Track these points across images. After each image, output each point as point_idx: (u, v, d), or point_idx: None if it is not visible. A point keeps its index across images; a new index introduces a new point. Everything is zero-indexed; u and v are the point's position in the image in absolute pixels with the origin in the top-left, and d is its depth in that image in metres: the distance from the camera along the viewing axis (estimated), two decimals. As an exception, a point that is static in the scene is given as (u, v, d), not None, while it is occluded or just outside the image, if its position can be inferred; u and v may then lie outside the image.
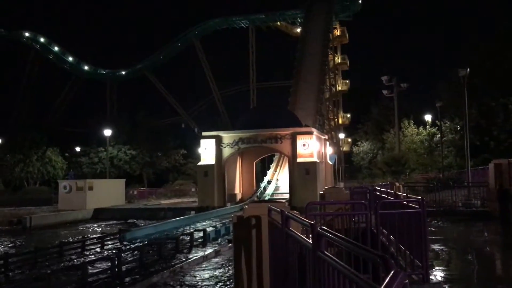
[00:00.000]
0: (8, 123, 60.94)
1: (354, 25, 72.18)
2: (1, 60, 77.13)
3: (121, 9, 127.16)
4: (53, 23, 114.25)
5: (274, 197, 37.01)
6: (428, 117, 49.64)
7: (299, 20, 68.61)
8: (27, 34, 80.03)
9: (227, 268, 13.88)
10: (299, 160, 33.25)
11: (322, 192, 13.78)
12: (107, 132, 45.25)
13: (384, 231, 9.07)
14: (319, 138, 36.92)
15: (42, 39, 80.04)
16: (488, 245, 16.80)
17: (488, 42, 43.85)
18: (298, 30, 67.84)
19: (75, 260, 16.00)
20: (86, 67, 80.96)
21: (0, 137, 53.64)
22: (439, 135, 44.79)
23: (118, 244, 19.19)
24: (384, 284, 2.18)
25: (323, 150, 38.69)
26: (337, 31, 66.73)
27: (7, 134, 55.11)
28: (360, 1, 67.29)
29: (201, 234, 18.78)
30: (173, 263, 14.40)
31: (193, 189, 48.99)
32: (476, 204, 24.93)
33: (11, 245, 22.52)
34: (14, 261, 15.14)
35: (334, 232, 3.81)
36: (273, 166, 43.01)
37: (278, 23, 71.72)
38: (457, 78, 32.94)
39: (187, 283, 12.62)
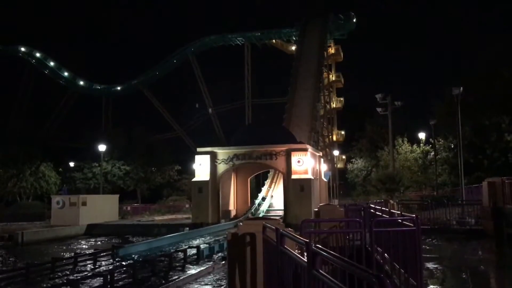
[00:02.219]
0: (2, 137, 60.54)
1: (348, 44, 72.90)
2: (-4, 75, 77.18)
3: (118, 24, 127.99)
4: (49, 39, 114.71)
5: (269, 214, 36.88)
6: (422, 135, 49.92)
7: (294, 38, 69.25)
8: (23, 49, 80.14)
9: (221, 286, 13.77)
10: (293, 176, 33.26)
11: (316, 209, 13.77)
12: (102, 147, 45.13)
13: (379, 249, 9.07)
14: (313, 155, 36.99)
15: (38, 54, 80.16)
16: (483, 264, 16.79)
17: (482, 61, 44.39)
18: (293, 47, 68.41)
19: (67, 277, 15.82)
20: (81, 82, 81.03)
21: (-7, 151, 53.34)
22: (433, 153, 44.99)
23: (111, 260, 19.03)
24: (379, 303, 2.19)
25: (317, 167, 38.74)
26: (332, 49, 67.39)
27: (1, 148, 54.77)
28: (354, 20, 68.10)
29: (194, 251, 18.68)
30: (166, 280, 14.27)
31: (187, 205, 48.78)
32: (470, 222, 24.92)
33: (2, 261, 22.25)
34: (5, 278, 14.96)
35: (329, 251, 3.82)
36: (267, 182, 42.94)
37: (274, 40, 72.34)
38: (451, 97, 33.22)
39: (180, 300, 12.50)
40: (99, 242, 29.12)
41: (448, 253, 19.53)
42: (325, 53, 63.02)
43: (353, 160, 61.15)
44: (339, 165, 62.90)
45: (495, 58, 42.63)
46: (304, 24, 65.37)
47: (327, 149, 57.92)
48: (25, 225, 34.48)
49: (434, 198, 33.73)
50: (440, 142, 45.74)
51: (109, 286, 12.54)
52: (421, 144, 49.97)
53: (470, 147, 40.28)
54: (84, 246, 27.61)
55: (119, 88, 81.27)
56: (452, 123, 36.30)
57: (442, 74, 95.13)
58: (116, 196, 42.63)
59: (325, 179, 42.74)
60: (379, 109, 44.45)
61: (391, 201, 23.25)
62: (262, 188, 42.82)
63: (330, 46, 66.71)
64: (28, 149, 54.18)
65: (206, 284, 14.38)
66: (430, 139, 46.23)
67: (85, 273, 16.33)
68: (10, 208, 46.69)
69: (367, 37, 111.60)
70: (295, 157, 33.51)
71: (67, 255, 21.44)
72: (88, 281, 14.14)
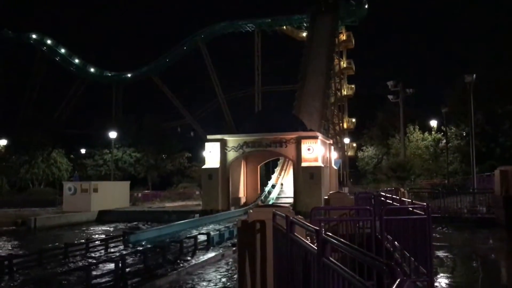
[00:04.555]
0: (14, 125, 61.18)
1: (360, 30, 72.20)
2: (8, 62, 77.60)
3: (128, 12, 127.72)
4: (60, 26, 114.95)
5: (279, 201, 36.99)
6: (433, 123, 49.50)
7: (305, 24, 68.71)
8: (34, 36, 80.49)
9: (231, 272, 13.87)
10: (303, 164, 33.22)
11: (326, 197, 13.74)
12: (113, 135, 45.39)
13: (389, 237, 9.05)
14: (324, 143, 36.89)
15: (49, 41, 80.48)
16: (494, 252, 16.71)
17: (495, 49, 43.77)
18: (304, 34, 67.92)
19: (79, 262, 16.03)
20: (92, 69, 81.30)
21: (5, 138, 53.85)
22: (445, 141, 44.64)
23: (122, 246, 19.23)
24: (390, 292, 2.17)
25: (328, 155, 38.65)
26: (343, 36, 66.78)
27: (13, 135, 55.32)
28: (366, 6, 67.31)
29: (205, 237, 18.78)
30: (176, 267, 14.39)
31: (197, 192, 49.02)
32: (481, 210, 24.79)
33: (15, 246, 22.60)
34: (19, 262, 15.19)
35: (339, 238, 3.80)
36: (277, 170, 43.00)
37: (284, 27, 71.82)
38: (463, 84, 32.85)
39: (190, 286, 12.62)
40: (110, 228, 29.41)
41: (458, 241, 19.46)
42: (336, 39, 62.49)
43: (364, 148, 60.90)
44: (350, 153, 62.71)
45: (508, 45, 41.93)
46: (315, 11, 64.75)
47: (338, 137, 57.73)
48: (38, 211, 34.87)
49: (445, 186, 33.57)
50: (452, 130, 45.35)
51: (120, 272, 12.66)
52: (432, 132, 49.59)
53: (482, 135, 39.93)
54: (95, 232, 27.91)
55: (129, 75, 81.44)
56: (464, 110, 35.96)
57: (455, 61, 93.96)
58: (127, 183, 42.95)
59: (335, 167, 42.66)
60: (390, 97, 44.13)
61: (402, 189, 23.15)
62: (272, 176, 42.89)
63: (341, 33, 66.11)
64: (40, 136, 54.65)
65: (216, 270, 14.49)
66: (442, 127, 45.84)
67: (97, 258, 16.52)
68: (23, 194, 47.27)
69: (378, 23, 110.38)
70: (305, 145, 33.44)
71: (79, 241, 21.69)
72: (99, 266, 14.31)
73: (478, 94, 35.47)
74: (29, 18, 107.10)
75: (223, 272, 14.30)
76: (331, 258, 3.69)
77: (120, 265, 12.75)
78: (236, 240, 8.82)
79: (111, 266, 13.33)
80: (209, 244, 18.16)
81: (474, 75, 30.76)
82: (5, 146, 53.96)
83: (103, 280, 12.55)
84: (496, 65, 41.61)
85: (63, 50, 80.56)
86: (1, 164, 52.49)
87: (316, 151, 33.40)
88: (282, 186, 41.32)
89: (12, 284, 12.86)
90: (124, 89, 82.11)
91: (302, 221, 5.36)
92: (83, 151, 62.34)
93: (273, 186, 40.68)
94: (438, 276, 11.22)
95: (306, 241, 4.75)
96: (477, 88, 33.96)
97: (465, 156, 40.73)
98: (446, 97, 45.52)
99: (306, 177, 32.90)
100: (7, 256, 15.27)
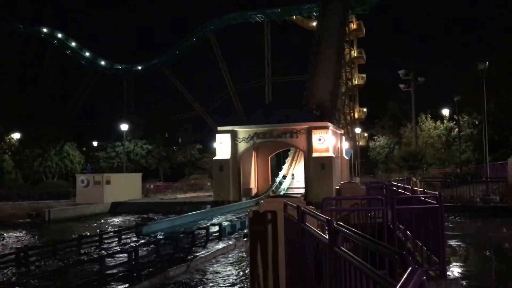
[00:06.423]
0: (27, 118, 61.71)
1: (371, 19, 71.42)
2: (19, 56, 78.03)
3: (137, 5, 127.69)
4: (71, 19, 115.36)
5: (290, 192, 37.03)
6: (445, 112, 49.04)
7: (315, 13, 68.14)
8: (45, 30, 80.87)
9: (243, 263, 13.95)
10: (314, 154, 33.15)
11: (338, 187, 13.72)
12: (124, 127, 45.65)
13: (401, 226, 9.03)
14: (335, 133, 36.75)
15: (59, 35, 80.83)
16: (507, 241, 16.58)
17: (509, 36, 43.15)
18: (314, 24, 67.40)
19: (93, 253, 16.22)
20: (103, 62, 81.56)
21: (19, 132, 54.39)
22: (457, 129, 44.24)
23: (135, 237, 19.41)
24: (402, 281, 2.17)
25: (339, 145, 38.52)
26: (354, 24, 66.11)
27: (26, 129, 55.85)
28: (376, -5, 66.51)
29: (216, 228, 18.88)
30: (189, 257, 14.50)
31: (208, 184, 49.23)
32: (494, 199, 24.57)
33: (30, 238, 22.92)
34: (34, 254, 15.41)
35: (350, 228, 3.80)
36: (288, 160, 42.96)
37: (294, 17, 71.32)
38: (475, 72, 32.45)
39: (203, 276, 12.71)
40: (123, 220, 29.67)
41: (471, 230, 19.34)
42: (347, 28, 61.93)
43: (375, 137, 60.60)
44: (361, 143, 62.40)
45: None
46: None
47: (349, 127, 57.42)
48: (51, 203, 35.27)
49: (458, 175, 33.32)
50: (464, 119, 44.93)
51: (133, 262, 12.80)
52: (444, 121, 49.15)
53: (495, 124, 39.51)
54: (108, 224, 28.18)
55: (139, 67, 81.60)
56: (477, 99, 35.54)
57: (467, 49, 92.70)
58: (139, 175, 43.23)
59: (346, 157, 42.52)
60: (402, 86, 43.79)
61: (414, 179, 23.02)
62: (283, 166, 42.87)
63: (351, 22, 65.46)
64: (52, 129, 55.12)
65: (229, 261, 14.57)
66: (454, 116, 45.42)
67: (110, 249, 16.70)
68: (37, 187, 47.80)
69: (389, 11, 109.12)
70: (316, 135, 33.35)
71: (93, 232, 21.92)
72: (113, 257, 14.46)
73: (491, 81, 35.03)
74: (39, 11, 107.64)
75: (235, 262, 14.38)
76: (342, 248, 3.69)
77: (133, 256, 12.89)
78: (247, 231, 8.85)
79: (125, 257, 13.47)
80: (221, 234, 18.26)
81: (487, 62, 30.33)
82: (18, 140, 54.56)
83: (117, 270, 12.69)
84: (509, 52, 41.00)
85: (73, 43, 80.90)
86: (14, 158, 53.11)
87: (327, 141, 33.29)
88: (293, 176, 41.30)
89: (28, 276, 13.05)
90: (135, 81, 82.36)
91: (314, 211, 5.37)
92: (95, 143, 62.82)
93: (284, 177, 40.67)
94: (450, 265, 11.18)
95: (318, 231, 4.76)
96: (490, 75, 33.53)
97: (477, 144, 40.39)
98: (458, 85, 45.04)
99: (317, 168, 32.84)
100: (22, 248, 15.49)
